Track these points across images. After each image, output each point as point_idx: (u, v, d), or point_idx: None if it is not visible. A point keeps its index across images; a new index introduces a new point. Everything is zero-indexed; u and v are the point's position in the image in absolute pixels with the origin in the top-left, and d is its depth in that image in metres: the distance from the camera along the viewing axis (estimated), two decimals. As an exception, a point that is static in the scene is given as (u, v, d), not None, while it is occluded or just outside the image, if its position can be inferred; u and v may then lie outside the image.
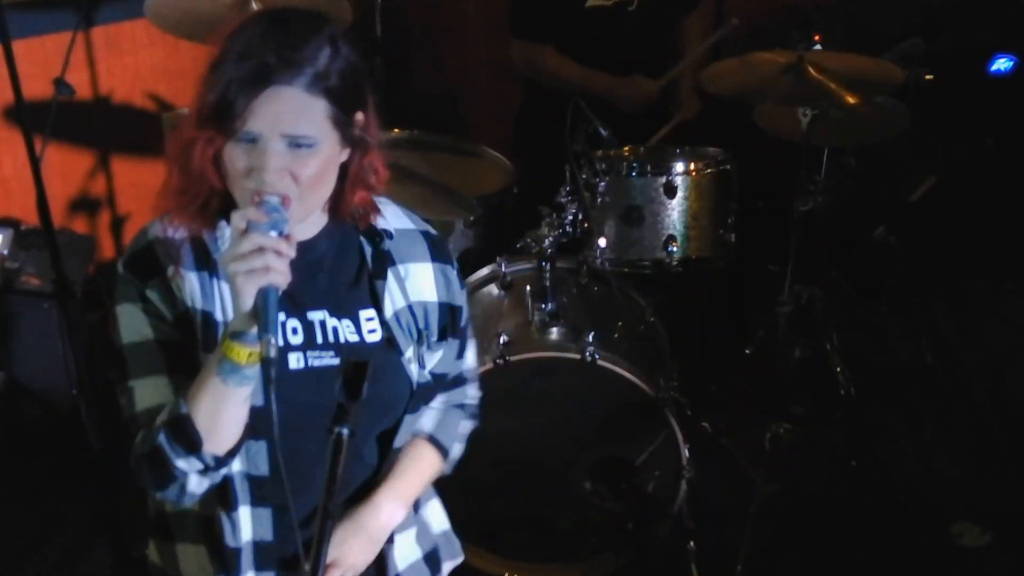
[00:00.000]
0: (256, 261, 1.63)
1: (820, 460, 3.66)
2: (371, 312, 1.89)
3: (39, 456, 3.46)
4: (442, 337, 1.99)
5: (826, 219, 3.50)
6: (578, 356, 2.95)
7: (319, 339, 1.85)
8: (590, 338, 2.97)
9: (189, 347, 1.79)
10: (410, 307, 1.92)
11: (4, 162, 3.83)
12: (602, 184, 3.18)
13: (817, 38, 3.29)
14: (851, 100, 3.16)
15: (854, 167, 3.71)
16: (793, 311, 3.47)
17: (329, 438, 1.56)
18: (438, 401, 2.08)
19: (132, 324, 1.80)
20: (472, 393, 2.14)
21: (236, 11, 3.16)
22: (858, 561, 3.31)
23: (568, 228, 3.17)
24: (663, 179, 3.17)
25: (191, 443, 1.72)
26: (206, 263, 1.80)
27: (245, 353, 1.66)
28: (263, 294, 1.63)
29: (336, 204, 1.85)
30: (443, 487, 2.14)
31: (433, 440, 2.05)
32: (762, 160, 3.74)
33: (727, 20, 3.82)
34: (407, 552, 2.04)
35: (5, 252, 3.37)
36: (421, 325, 1.94)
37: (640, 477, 3.06)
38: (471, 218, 3.36)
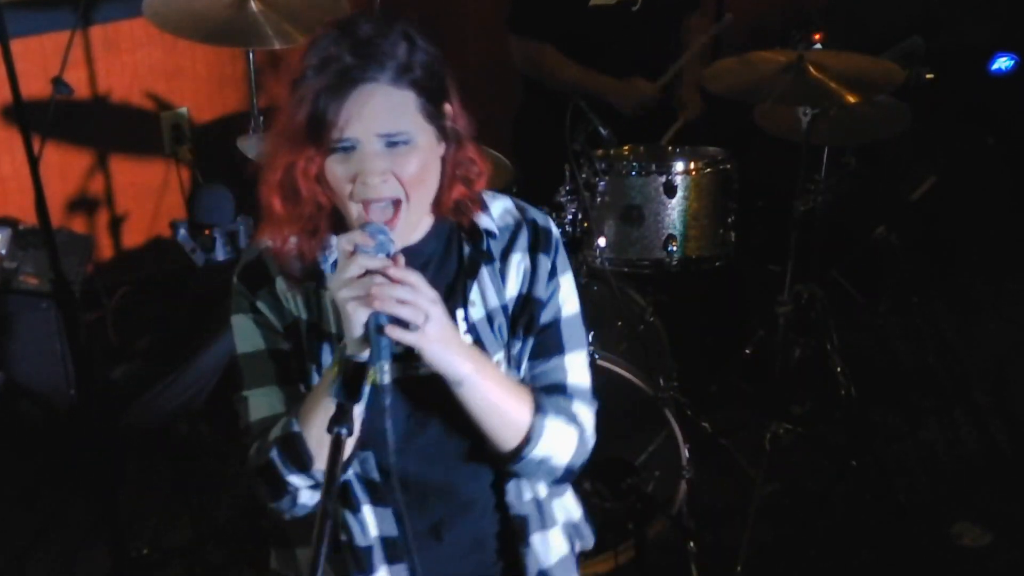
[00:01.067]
0: (362, 287, 1.61)
1: (820, 460, 3.65)
2: (462, 312, 1.83)
3: (37, 456, 3.45)
4: (514, 333, 1.86)
5: (826, 218, 3.49)
6: (578, 356, 2.94)
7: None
8: (589, 338, 2.96)
9: (299, 356, 1.80)
10: (503, 307, 1.85)
11: (2, 161, 3.83)
12: (602, 183, 3.17)
13: (817, 37, 3.28)
14: (851, 99, 3.15)
15: (854, 166, 3.70)
16: (793, 311, 3.47)
17: (328, 437, 1.56)
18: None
19: (245, 335, 1.83)
20: (583, 412, 1.92)
21: (234, 11, 3.16)
22: (858, 561, 3.31)
23: (568, 227, 3.16)
24: (663, 178, 3.17)
25: (303, 461, 1.73)
26: (312, 274, 1.80)
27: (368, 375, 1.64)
28: (374, 320, 1.60)
29: (437, 201, 1.80)
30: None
31: (536, 393, 1.84)
32: (762, 159, 3.74)
33: (725, 17, 3.81)
34: (557, 546, 2.01)
35: (3, 252, 3.36)
36: (517, 324, 1.87)
37: (640, 477, 3.06)
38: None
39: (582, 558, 3.13)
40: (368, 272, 1.62)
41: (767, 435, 3.42)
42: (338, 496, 1.81)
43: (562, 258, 1.90)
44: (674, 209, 3.18)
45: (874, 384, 3.86)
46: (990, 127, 4.55)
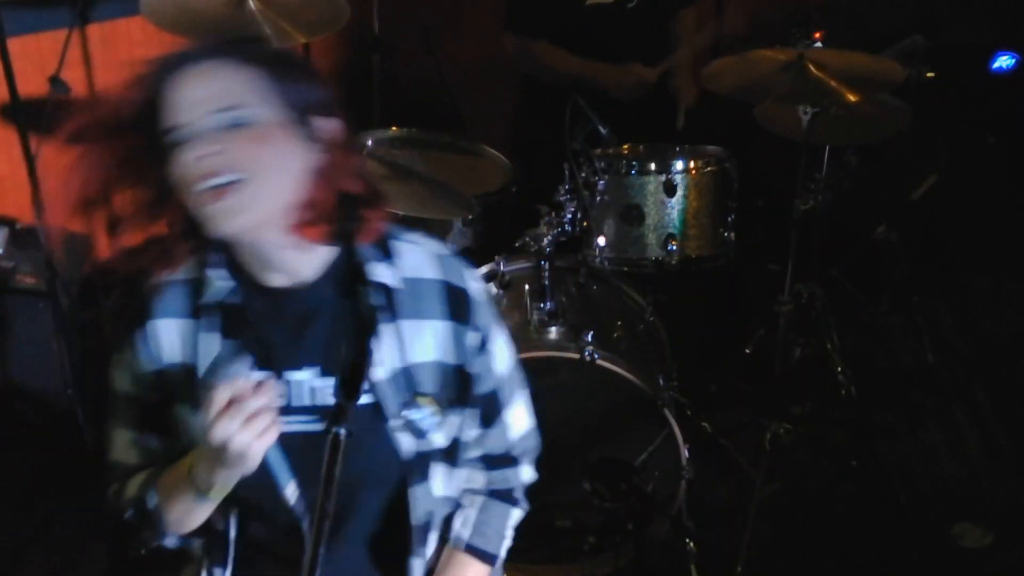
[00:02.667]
0: (260, 422, 1.53)
1: (820, 460, 3.64)
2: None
3: (34, 456, 3.44)
4: (453, 405, 1.79)
5: (827, 217, 3.49)
6: (577, 356, 2.93)
7: (294, 402, 1.72)
8: (589, 337, 2.95)
9: (166, 402, 1.75)
10: (406, 369, 1.72)
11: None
12: (601, 182, 3.16)
13: (818, 35, 3.26)
14: (852, 98, 3.14)
15: (855, 165, 3.70)
16: (793, 310, 3.46)
17: (326, 438, 1.54)
18: (480, 486, 1.93)
19: (117, 373, 1.79)
20: (524, 475, 1.98)
21: (232, 9, 3.15)
22: (858, 562, 3.29)
23: (567, 227, 3.15)
24: (662, 177, 3.16)
25: (157, 530, 1.77)
26: (192, 309, 1.72)
27: (222, 492, 1.66)
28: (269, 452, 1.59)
29: (308, 210, 1.62)
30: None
31: (473, 549, 1.90)
32: (762, 158, 3.73)
33: (726, 12, 3.80)
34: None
35: (0, 251, 3.35)
36: (428, 389, 1.74)
37: (640, 477, 3.04)
38: (469, 217, 3.34)
39: (582, 558, 3.15)
40: (233, 402, 1.53)
41: (767, 435, 3.41)
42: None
43: (486, 318, 1.78)
44: (674, 208, 3.17)
45: (874, 384, 3.85)
46: (991, 126, 4.55)
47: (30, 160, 2.87)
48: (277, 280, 1.69)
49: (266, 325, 1.71)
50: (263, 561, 1.84)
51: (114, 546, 3.10)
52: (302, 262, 1.68)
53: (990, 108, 4.49)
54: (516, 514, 1.98)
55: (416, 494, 1.78)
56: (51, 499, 3.39)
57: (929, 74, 3.69)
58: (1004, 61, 4.38)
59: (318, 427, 1.66)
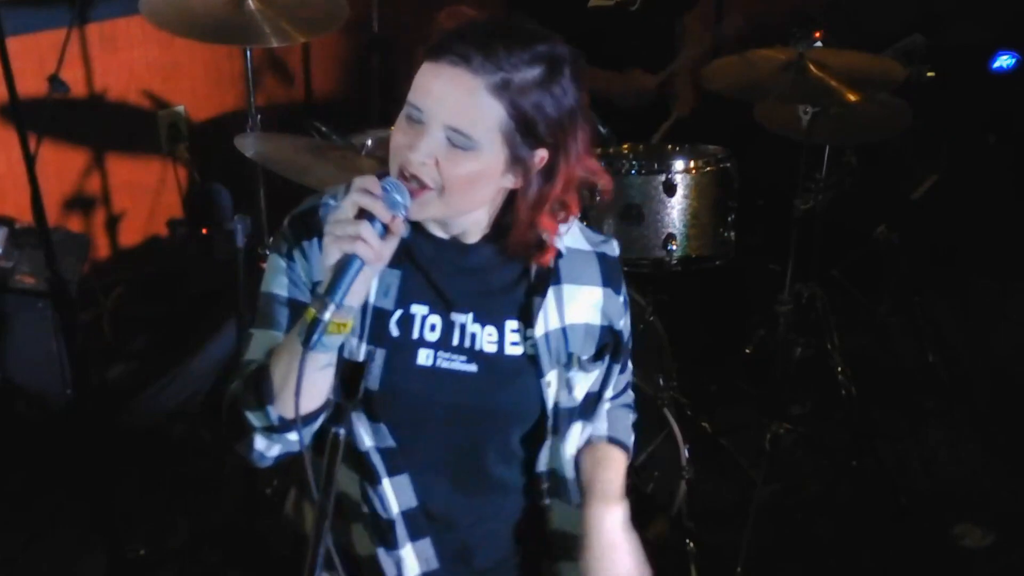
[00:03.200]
0: (349, 227, 1.59)
1: (820, 460, 3.64)
2: (517, 324, 1.84)
3: (33, 456, 3.44)
4: (599, 357, 1.93)
5: (827, 217, 3.48)
6: (577, 355, 2.93)
7: (455, 341, 1.82)
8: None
9: None
10: (564, 329, 1.86)
11: (-2, 160, 3.81)
12: (601, 182, 3.15)
13: (818, 35, 3.26)
14: (852, 97, 3.14)
15: (855, 165, 3.69)
16: (794, 310, 3.46)
17: (327, 437, 1.55)
18: (606, 404, 2.04)
19: (272, 276, 1.81)
20: (630, 394, 2.16)
21: (232, 9, 3.14)
22: (859, 562, 3.30)
23: (567, 226, 3.15)
24: (662, 177, 3.15)
25: (261, 396, 1.71)
26: None
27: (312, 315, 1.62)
28: (345, 260, 1.59)
29: (501, 234, 1.80)
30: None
31: (613, 440, 2.03)
32: (762, 158, 3.73)
33: (727, 16, 3.80)
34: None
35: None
36: (575, 348, 1.88)
37: (640, 477, 3.04)
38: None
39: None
40: (362, 214, 1.60)
41: (767, 435, 3.41)
42: (359, 470, 1.82)
43: (625, 285, 1.97)
44: (674, 208, 3.16)
45: (875, 384, 3.85)
46: (991, 125, 4.55)
47: (29, 159, 2.86)
48: (441, 232, 1.81)
49: (431, 268, 1.81)
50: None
51: (114, 546, 3.10)
52: (470, 227, 1.81)
53: (991, 108, 4.49)
54: (632, 417, 2.14)
55: (551, 445, 1.90)
56: (51, 499, 3.38)
57: (930, 73, 3.68)
58: (1004, 61, 4.38)
59: (471, 368, 1.81)
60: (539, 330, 1.84)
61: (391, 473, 1.83)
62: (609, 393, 2.02)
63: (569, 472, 1.95)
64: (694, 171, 3.19)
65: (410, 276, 1.77)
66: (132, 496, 3.35)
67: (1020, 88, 4.40)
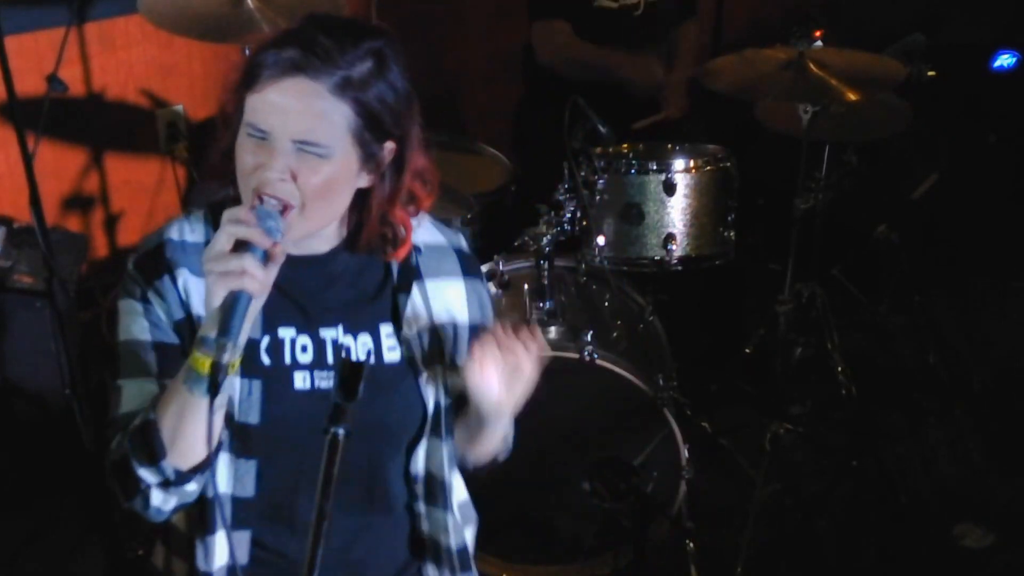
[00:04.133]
0: (232, 262, 1.56)
1: (820, 460, 3.64)
2: (391, 328, 1.81)
3: (31, 456, 3.43)
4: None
5: (827, 217, 3.48)
6: (576, 355, 2.93)
7: (329, 358, 1.78)
8: (588, 337, 2.94)
9: (185, 353, 1.72)
10: (434, 327, 1.84)
11: (-3, 159, 3.81)
12: (601, 182, 3.15)
13: (818, 34, 3.26)
14: (852, 97, 3.14)
15: (855, 164, 3.68)
16: (794, 310, 3.46)
17: (325, 438, 1.54)
18: None
19: (129, 323, 1.76)
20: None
21: (230, 8, 3.14)
22: (859, 562, 3.29)
23: (566, 226, 3.15)
24: (662, 176, 3.14)
25: (153, 452, 1.65)
26: None
27: (208, 362, 1.58)
28: (232, 298, 1.56)
29: (354, 233, 1.78)
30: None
31: None
32: (762, 157, 3.73)
33: (726, 11, 3.78)
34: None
35: (-2, 250, 3.35)
36: (447, 345, 1.86)
37: (639, 477, 3.04)
38: (468, 216, 3.33)
39: (582, 558, 3.14)
40: (239, 246, 1.57)
41: (767, 435, 3.41)
42: (194, 513, 1.77)
43: (483, 275, 1.96)
44: (674, 207, 3.16)
45: (875, 384, 3.85)
46: (992, 125, 4.54)
47: (27, 159, 2.86)
48: (293, 248, 1.74)
49: (290, 287, 1.76)
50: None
51: (113, 546, 3.09)
52: (325, 239, 1.79)
53: (991, 107, 4.49)
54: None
55: (429, 446, 1.87)
56: (49, 499, 3.38)
57: (930, 73, 3.67)
58: (1005, 60, 4.37)
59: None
60: (411, 328, 1.82)
61: (234, 526, 1.79)
62: None
63: (446, 475, 1.90)
64: (694, 171, 3.18)
65: (271, 299, 1.66)
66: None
67: (1020, 88, 4.39)
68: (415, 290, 1.83)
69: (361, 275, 1.82)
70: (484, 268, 3.23)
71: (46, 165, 3.67)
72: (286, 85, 1.61)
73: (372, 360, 1.80)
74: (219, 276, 1.56)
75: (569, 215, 3.15)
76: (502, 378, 1.74)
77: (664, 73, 3.75)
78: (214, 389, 1.54)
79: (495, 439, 1.89)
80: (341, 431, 1.53)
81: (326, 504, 1.51)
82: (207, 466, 1.68)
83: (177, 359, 1.72)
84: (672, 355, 3.31)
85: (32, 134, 2.98)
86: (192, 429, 1.63)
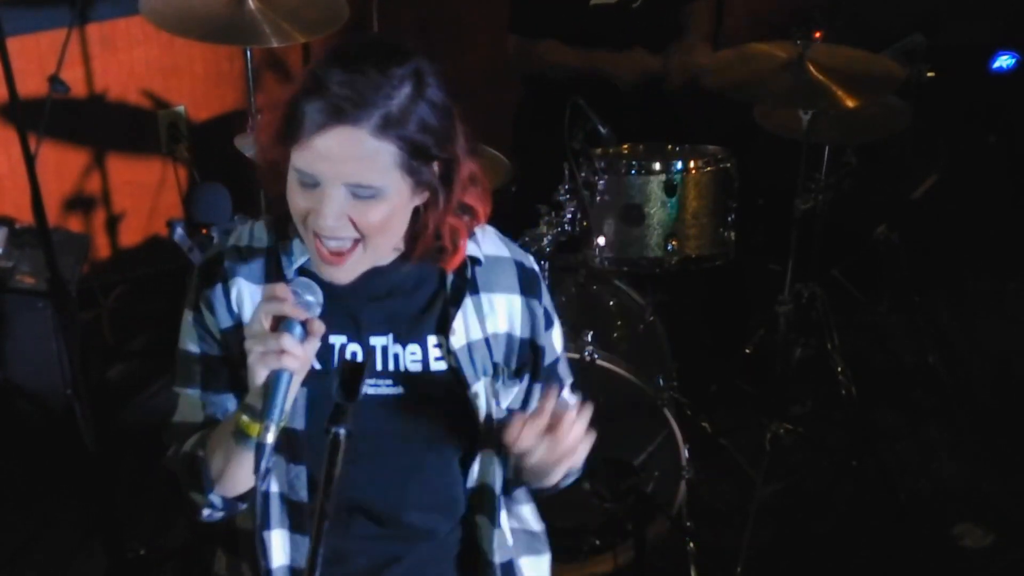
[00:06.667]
0: (271, 342, 1.58)
1: (820, 460, 3.64)
2: (437, 339, 1.81)
3: (33, 456, 3.44)
4: (519, 375, 1.89)
5: (827, 217, 3.48)
6: (577, 356, 2.93)
7: (378, 365, 1.80)
8: (589, 338, 2.95)
9: (234, 362, 1.76)
10: (486, 339, 1.83)
11: (-2, 160, 3.81)
12: (601, 182, 3.15)
13: (818, 35, 3.26)
14: (851, 103, 3.13)
15: (855, 165, 3.69)
16: (794, 310, 3.46)
17: (326, 437, 1.55)
18: None
19: (185, 331, 1.82)
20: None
21: (232, 9, 3.14)
22: (859, 562, 3.29)
23: (567, 227, 3.15)
24: (663, 177, 3.15)
25: (201, 484, 1.73)
26: (276, 278, 1.77)
27: (256, 428, 1.61)
28: (274, 377, 1.58)
29: (410, 244, 1.77)
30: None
31: None
32: (762, 158, 3.73)
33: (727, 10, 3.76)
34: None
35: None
36: (498, 359, 1.85)
37: (640, 477, 3.04)
38: (469, 216, 3.33)
39: (582, 558, 3.14)
40: (279, 324, 1.59)
41: (767, 435, 3.41)
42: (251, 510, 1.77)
43: (549, 299, 1.92)
44: (674, 208, 3.16)
45: (875, 384, 3.85)
46: (991, 126, 4.55)
47: (29, 160, 2.86)
48: None
49: (347, 296, 1.77)
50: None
51: (114, 546, 3.09)
52: (382, 259, 1.79)
53: (991, 108, 4.49)
54: None
55: (484, 460, 1.87)
56: (51, 499, 3.38)
57: (930, 73, 3.67)
58: (1004, 61, 4.37)
59: (398, 391, 1.79)
60: (459, 341, 1.81)
61: (292, 529, 1.81)
62: None
63: (498, 487, 1.91)
64: (694, 171, 3.18)
65: (325, 307, 1.69)
66: (131, 496, 3.35)
67: (1020, 88, 4.39)
68: (468, 302, 1.82)
69: (417, 286, 1.82)
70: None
71: (48, 166, 3.67)
72: (329, 135, 1.60)
73: (419, 369, 1.80)
74: (260, 356, 1.59)
75: (569, 216, 3.15)
76: (545, 457, 1.72)
77: (652, 58, 3.70)
78: (257, 468, 1.57)
79: (550, 483, 1.86)
80: (342, 431, 1.54)
81: (327, 504, 1.52)
82: (254, 492, 1.70)
83: (221, 371, 1.79)
84: (672, 355, 3.32)
85: (34, 135, 2.98)
86: (238, 471, 1.70)
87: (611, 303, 3.27)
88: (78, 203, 4.05)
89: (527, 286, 1.87)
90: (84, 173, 4.04)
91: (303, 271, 1.77)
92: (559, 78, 3.63)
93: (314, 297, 1.64)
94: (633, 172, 3.18)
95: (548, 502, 3.09)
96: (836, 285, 4.08)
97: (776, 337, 3.47)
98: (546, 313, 1.90)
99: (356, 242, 1.67)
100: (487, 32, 4.32)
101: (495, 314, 1.84)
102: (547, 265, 3.08)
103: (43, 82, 3.35)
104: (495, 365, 1.84)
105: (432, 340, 1.80)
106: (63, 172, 3.98)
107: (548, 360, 1.92)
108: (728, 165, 3.25)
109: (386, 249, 1.74)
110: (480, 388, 1.82)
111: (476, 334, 1.82)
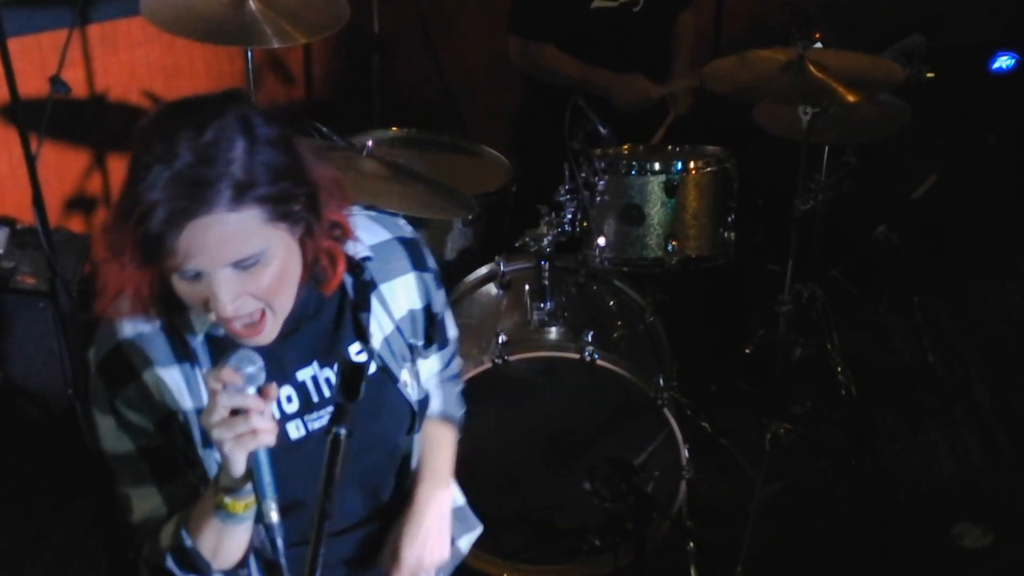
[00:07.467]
0: (240, 426, 1.56)
1: (820, 460, 3.64)
2: (359, 345, 1.78)
3: (34, 456, 3.44)
4: (429, 341, 1.96)
5: (827, 217, 3.49)
6: (577, 356, 2.93)
7: (314, 397, 1.80)
8: (589, 337, 2.95)
9: (179, 447, 1.74)
10: (398, 328, 1.86)
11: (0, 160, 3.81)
12: (601, 183, 3.16)
13: (817, 36, 3.27)
14: (852, 98, 3.14)
15: (855, 165, 3.69)
16: (793, 310, 3.46)
17: (327, 438, 1.55)
18: (435, 379, 2.06)
19: (110, 435, 1.75)
20: (457, 361, 2.16)
21: (233, 9, 3.14)
22: (858, 562, 3.29)
23: (567, 227, 3.15)
24: (663, 177, 3.16)
25: (198, 568, 1.73)
26: (185, 353, 1.72)
27: (242, 505, 1.63)
28: (254, 458, 1.58)
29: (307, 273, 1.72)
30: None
31: (446, 416, 2.09)
32: (762, 158, 3.73)
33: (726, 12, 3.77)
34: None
35: (1, 251, 3.35)
36: (411, 339, 1.89)
37: (639, 477, 3.04)
38: (469, 217, 3.33)
39: (582, 558, 3.15)
40: (241, 410, 1.57)
41: (767, 435, 3.42)
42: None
43: (432, 260, 1.93)
44: (674, 208, 3.17)
45: (874, 384, 3.85)
46: (991, 126, 4.55)
47: (30, 160, 2.86)
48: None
49: (261, 346, 1.71)
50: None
51: (114, 546, 3.10)
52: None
53: (990, 108, 4.49)
54: (459, 386, 2.17)
55: (417, 440, 1.97)
56: (50, 499, 3.39)
57: (929, 74, 3.68)
58: (1004, 61, 4.38)
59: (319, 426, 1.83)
60: (378, 339, 1.83)
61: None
62: (438, 367, 2.05)
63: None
64: (694, 172, 3.19)
65: None
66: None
67: (1020, 88, 4.40)
68: (373, 301, 1.83)
69: (319, 307, 1.79)
70: (485, 269, 3.24)
71: (49, 166, 3.68)
72: (188, 233, 1.52)
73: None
74: (235, 442, 1.57)
75: (570, 216, 3.16)
76: None
77: (653, 86, 3.72)
78: (274, 545, 1.59)
79: None
80: (343, 431, 1.55)
81: (328, 504, 1.52)
82: (247, 558, 1.76)
83: (168, 458, 1.75)
84: (672, 355, 3.32)
85: (35, 135, 2.98)
86: (232, 545, 1.72)
87: (611, 303, 3.27)
88: (79, 203, 4.05)
89: (416, 260, 1.88)
90: (85, 173, 4.04)
91: (214, 340, 1.72)
92: (558, 85, 3.64)
93: (255, 366, 1.60)
94: (633, 172, 3.18)
95: (549, 502, 3.11)
96: (836, 285, 4.08)
97: (776, 337, 3.48)
98: (435, 276, 1.93)
99: (263, 311, 1.63)
100: (487, 32, 4.33)
101: (397, 299, 1.86)
102: (547, 265, 3.08)
103: (44, 83, 3.35)
104: (410, 347, 1.89)
105: (354, 348, 1.69)
106: (64, 172, 3.98)
107: (439, 318, 1.98)
108: (728, 165, 3.26)
109: (291, 302, 1.68)
110: (406, 375, 1.88)
111: (388, 326, 1.85)
